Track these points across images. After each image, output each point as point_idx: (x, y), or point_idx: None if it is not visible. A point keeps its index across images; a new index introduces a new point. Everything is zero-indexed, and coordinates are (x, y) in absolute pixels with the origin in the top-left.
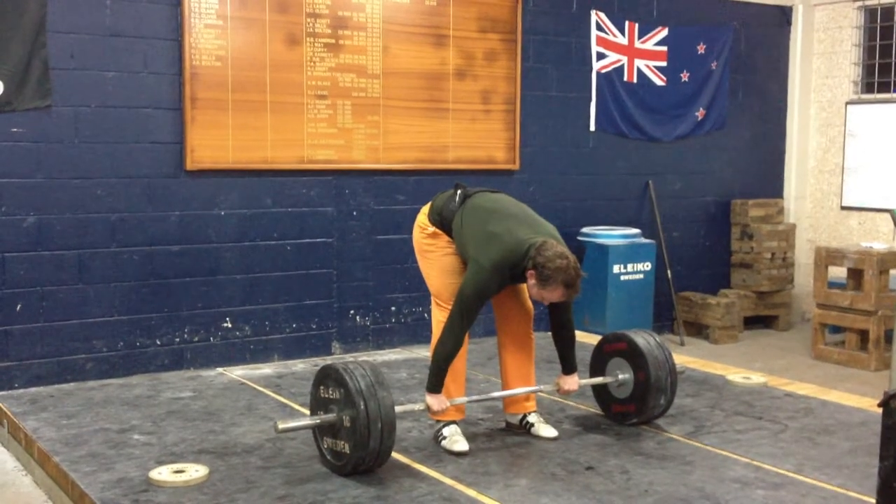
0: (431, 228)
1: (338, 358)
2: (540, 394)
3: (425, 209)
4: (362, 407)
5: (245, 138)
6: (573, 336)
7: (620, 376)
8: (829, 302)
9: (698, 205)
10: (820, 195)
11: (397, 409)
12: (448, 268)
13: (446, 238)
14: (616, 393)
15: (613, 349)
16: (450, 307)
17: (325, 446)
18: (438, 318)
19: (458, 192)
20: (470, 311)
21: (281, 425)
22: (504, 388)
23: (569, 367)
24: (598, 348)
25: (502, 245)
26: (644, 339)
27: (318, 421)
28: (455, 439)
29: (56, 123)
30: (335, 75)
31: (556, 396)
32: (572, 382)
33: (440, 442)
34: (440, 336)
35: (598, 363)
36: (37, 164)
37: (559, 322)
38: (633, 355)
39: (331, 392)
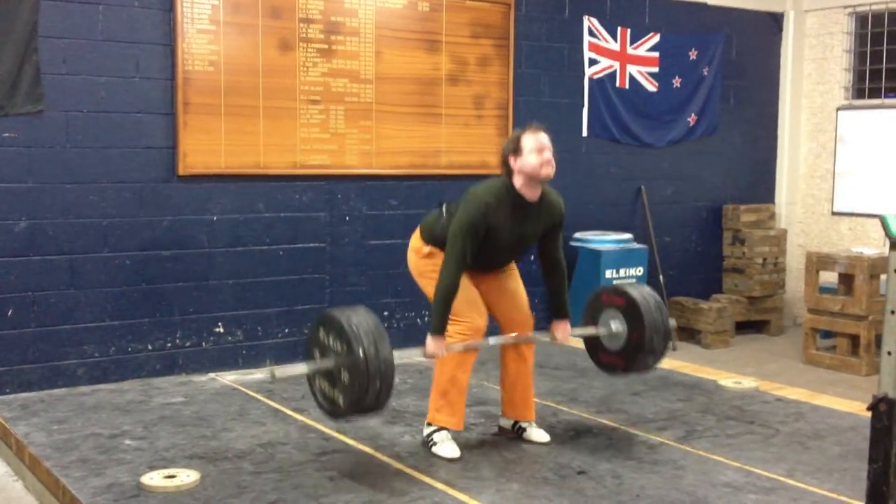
0: (427, 248)
1: None
2: (535, 394)
3: (416, 233)
4: (363, 369)
5: (238, 143)
6: (564, 274)
7: (614, 328)
8: (820, 307)
9: (690, 210)
10: (811, 200)
11: (396, 359)
12: None
13: (442, 256)
14: (607, 343)
15: (612, 302)
16: (461, 319)
17: (318, 388)
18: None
19: (444, 207)
20: (455, 247)
21: (278, 374)
22: (503, 392)
23: (561, 311)
24: (596, 296)
25: (473, 191)
26: (644, 299)
27: (314, 368)
28: (446, 445)
29: (48, 128)
30: (328, 80)
31: (548, 401)
32: (565, 330)
33: (431, 447)
34: (437, 279)
35: (594, 310)
36: (28, 169)
37: (550, 260)
38: (631, 314)
39: (331, 342)
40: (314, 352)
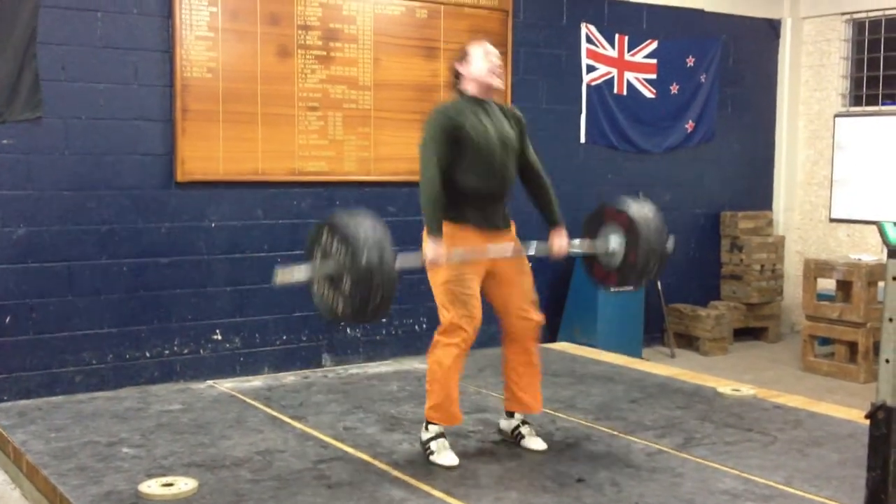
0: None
1: (328, 370)
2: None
3: None
4: (367, 281)
5: (236, 150)
6: (548, 184)
7: (612, 247)
8: (818, 314)
9: (688, 217)
10: (809, 207)
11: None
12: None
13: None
14: (601, 259)
15: (613, 220)
16: (455, 322)
17: (318, 291)
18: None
19: None
20: (426, 154)
21: (279, 279)
22: (506, 390)
23: (553, 218)
24: (599, 212)
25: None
26: (645, 222)
27: (317, 273)
28: (444, 453)
29: (46, 135)
30: (326, 87)
31: (546, 408)
32: (563, 240)
33: (429, 456)
34: (420, 187)
35: (594, 224)
36: (27, 176)
37: (530, 169)
38: (632, 235)
39: (335, 247)
40: (316, 253)
